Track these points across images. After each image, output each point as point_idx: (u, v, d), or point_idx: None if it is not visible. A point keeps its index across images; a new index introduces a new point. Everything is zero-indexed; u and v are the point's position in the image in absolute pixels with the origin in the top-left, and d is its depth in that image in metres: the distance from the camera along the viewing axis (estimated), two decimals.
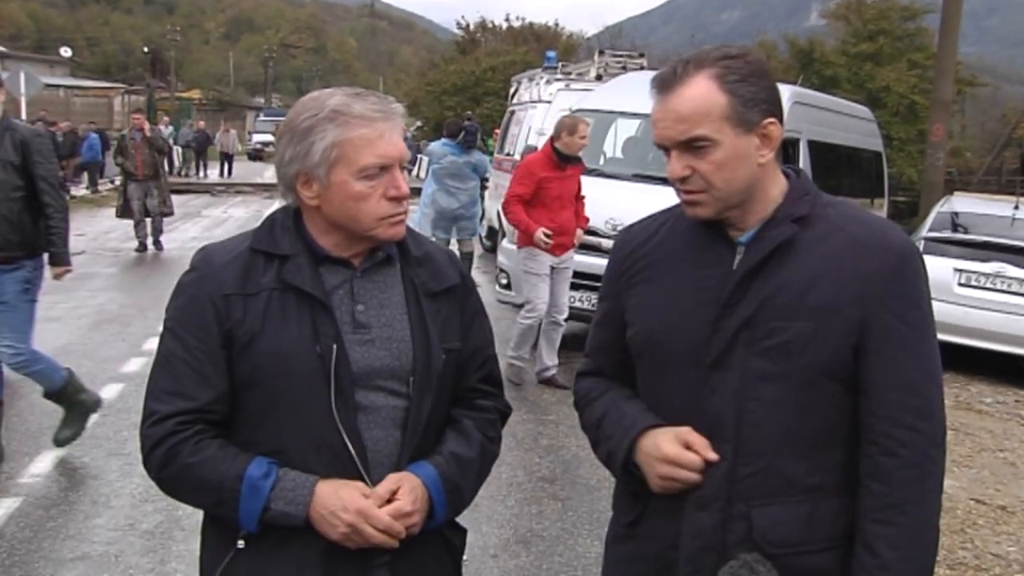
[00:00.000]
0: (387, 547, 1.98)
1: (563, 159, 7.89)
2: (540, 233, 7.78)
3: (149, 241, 15.60)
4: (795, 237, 1.90)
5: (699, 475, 1.90)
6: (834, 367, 1.87)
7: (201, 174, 36.85)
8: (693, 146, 1.87)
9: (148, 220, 15.50)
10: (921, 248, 9.92)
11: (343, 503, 1.92)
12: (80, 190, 26.81)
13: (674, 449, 1.91)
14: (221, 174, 37.19)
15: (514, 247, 9.42)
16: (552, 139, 7.99)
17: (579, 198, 8.13)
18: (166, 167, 15.95)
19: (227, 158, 38.09)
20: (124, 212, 15.61)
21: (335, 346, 1.96)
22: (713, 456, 1.89)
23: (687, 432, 1.92)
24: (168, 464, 1.96)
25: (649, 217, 2.16)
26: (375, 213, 1.99)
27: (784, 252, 1.90)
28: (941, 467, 1.89)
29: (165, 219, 16.00)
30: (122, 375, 7.89)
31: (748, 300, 1.89)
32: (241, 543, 1.98)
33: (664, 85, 1.90)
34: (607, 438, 2.05)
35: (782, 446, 1.88)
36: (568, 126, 7.88)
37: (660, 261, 2.03)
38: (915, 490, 1.85)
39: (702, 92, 1.86)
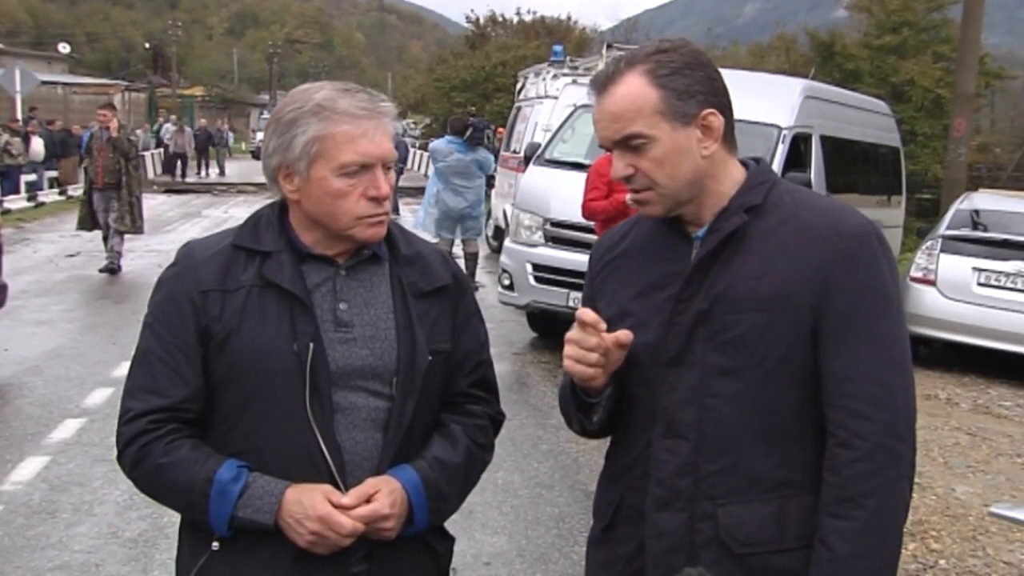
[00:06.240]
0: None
1: None
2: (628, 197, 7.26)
3: (120, 260, 13.26)
4: (748, 228, 1.88)
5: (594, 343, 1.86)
6: (792, 360, 1.83)
7: (202, 173, 35.50)
8: (631, 144, 1.87)
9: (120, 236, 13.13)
10: (939, 247, 9.79)
11: (305, 511, 1.89)
12: (77, 190, 25.17)
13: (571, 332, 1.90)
14: (173, 174, 33.27)
15: (518, 247, 9.27)
16: None
17: None
18: (132, 174, 13.06)
19: (180, 159, 33.86)
20: (87, 223, 13.26)
21: (312, 344, 1.93)
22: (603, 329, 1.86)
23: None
24: (140, 463, 1.95)
25: (626, 220, 2.16)
26: (353, 212, 1.95)
27: (737, 243, 1.88)
28: (905, 459, 1.84)
29: (130, 236, 13.49)
30: (112, 379, 7.72)
31: (702, 294, 1.88)
32: (216, 545, 1.97)
33: (599, 86, 1.91)
34: (563, 385, 2.05)
35: (746, 442, 1.86)
36: None
37: (626, 261, 2.04)
38: (871, 483, 1.79)
39: (632, 89, 1.86)
